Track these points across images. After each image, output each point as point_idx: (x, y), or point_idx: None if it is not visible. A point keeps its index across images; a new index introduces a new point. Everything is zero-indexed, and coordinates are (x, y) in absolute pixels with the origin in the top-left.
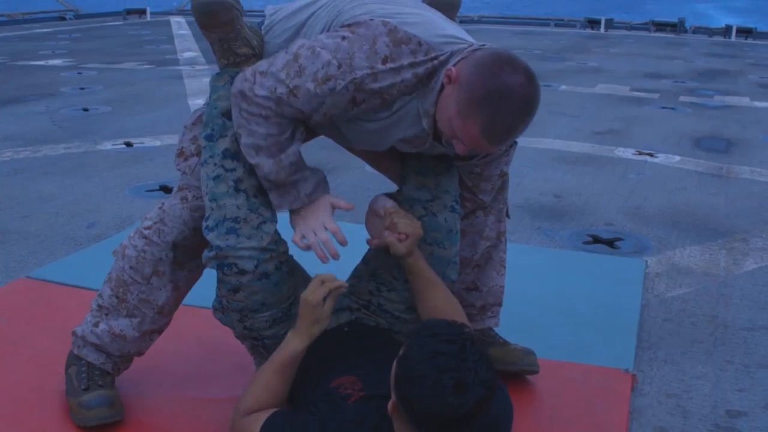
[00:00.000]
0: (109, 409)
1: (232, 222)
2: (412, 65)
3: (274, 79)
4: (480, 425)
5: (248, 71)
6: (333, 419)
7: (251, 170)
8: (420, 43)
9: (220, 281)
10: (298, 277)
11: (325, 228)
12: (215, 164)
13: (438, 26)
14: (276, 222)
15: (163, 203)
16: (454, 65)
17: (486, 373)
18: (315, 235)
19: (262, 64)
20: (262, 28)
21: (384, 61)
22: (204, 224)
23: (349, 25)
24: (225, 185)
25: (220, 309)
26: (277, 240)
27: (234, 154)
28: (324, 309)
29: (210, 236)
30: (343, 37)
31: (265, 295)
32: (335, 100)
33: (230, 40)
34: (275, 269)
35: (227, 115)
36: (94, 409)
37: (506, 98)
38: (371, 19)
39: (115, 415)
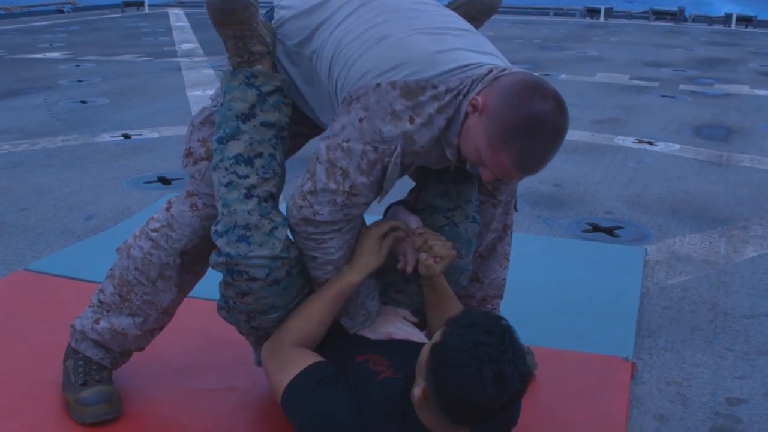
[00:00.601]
0: (107, 406)
1: (243, 229)
2: (439, 110)
3: (328, 192)
4: (506, 415)
5: (298, 198)
6: (364, 399)
7: (265, 177)
8: (435, 85)
9: (228, 284)
10: (306, 276)
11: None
12: (226, 169)
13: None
14: (287, 227)
15: (170, 203)
16: (477, 93)
17: (523, 366)
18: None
19: (306, 185)
20: (273, 22)
21: (411, 120)
22: (213, 228)
23: (357, 98)
24: (237, 191)
25: (226, 308)
26: (289, 245)
27: (247, 159)
28: (384, 243)
29: (219, 242)
30: (360, 119)
31: (274, 299)
32: (391, 176)
33: (246, 38)
34: (286, 275)
35: (242, 117)
36: (91, 406)
37: (538, 129)
38: (377, 85)
39: (114, 411)
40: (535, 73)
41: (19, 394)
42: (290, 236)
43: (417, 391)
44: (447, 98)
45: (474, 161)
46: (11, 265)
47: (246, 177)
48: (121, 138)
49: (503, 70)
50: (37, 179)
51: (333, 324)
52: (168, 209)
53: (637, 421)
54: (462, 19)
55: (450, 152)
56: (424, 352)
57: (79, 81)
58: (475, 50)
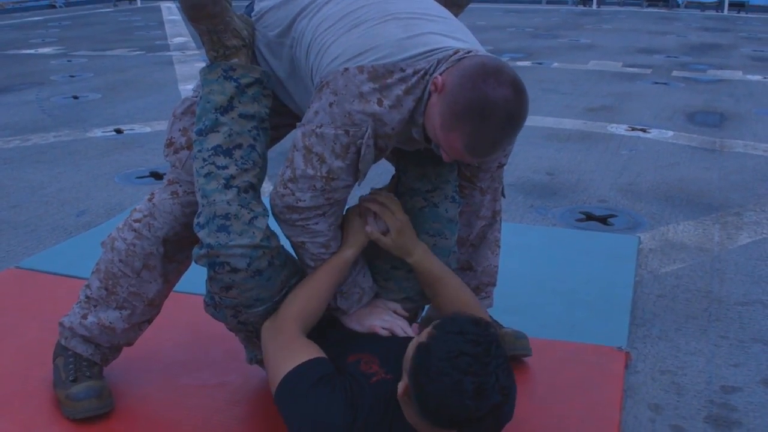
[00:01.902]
0: (98, 401)
1: (223, 219)
2: (407, 92)
3: (307, 178)
4: (486, 426)
5: (279, 187)
6: (358, 406)
7: (244, 168)
8: (402, 68)
9: (211, 279)
10: (290, 267)
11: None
12: (204, 160)
13: (414, 29)
14: (268, 216)
15: (153, 194)
16: (440, 73)
17: (505, 379)
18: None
19: (286, 173)
20: (252, 15)
21: (380, 102)
22: (195, 220)
23: (327, 83)
24: (215, 182)
25: (212, 305)
26: (270, 235)
27: (226, 150)
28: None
29: (201, 233)
30: (330, 104)
31: (259, 291)
32: (365, 158)
33: (219, 32)
34: (268, 265)
35: (221, 109)
36: (82, 401)
37: (489, 113)
38: (345, 69)
39: (105, 406)
40: (528, 62)
41: (10, 392)
42: (270, 226)
43: (401, 386)
44: (414, 79)
45: (435, 141)
46: (2, 262)
47: (225, 168)
48: (113, 133)
49: (469, 51)
50: (28, 175)
51: (321, 320)
52: (150, 199)
53: (631, 410)
54: (440, 6)
55: (416, 132)
56: (410, 349)
57: (71, 76)
58: (448, 35)
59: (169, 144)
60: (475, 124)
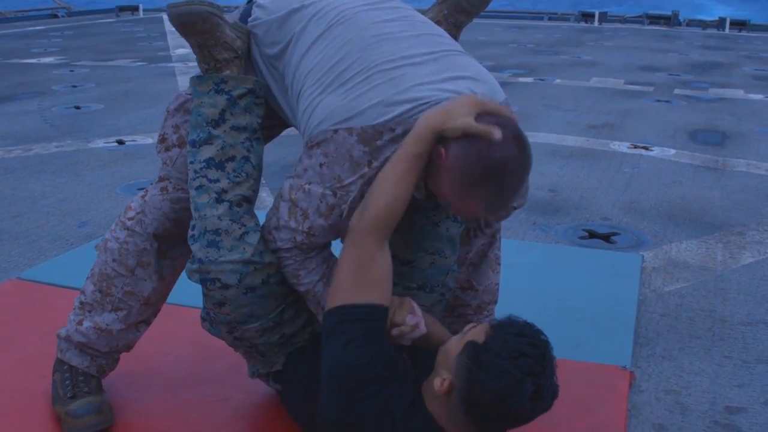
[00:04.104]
0: (97, 416)
1: (213, 234)
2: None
3: (289, 230)
4: (520, 424)
5: (266, 232)
6: (391, 367)
7: (236, 181)
8: (392, 128)
9: (205, 295)
10: (290, 286)
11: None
12: (196, 172)
13: (403, 83)
14: (260, 231)
15: (146, 192)
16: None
17: (556, 385)
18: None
19: (272, 220)
20: (249, 21)
21: (369, 164)
22: (189, 233)
23: (318, 144)
24: (206, 196)
25: (208, 320)
26: (262, 250)
27: (218, 164)
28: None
29: (194, 247)
30: (321, 164)
31: (253, 308)
32: (347, 220)
33: (209, 46)
34: (262, 283)
35: (212, 123)
36: (82, 418)
37: (501, 177)
38: (335, 131)
39: (105, 421)
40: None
41: (10, 405)
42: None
43: (439, 382)
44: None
45: (444, 202)
46: (4, 273)
47: (216, 181)
48: (115, 144)
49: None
50: (30, 186)
51: None
52: (143, 197)
53: (635, 431)
54: (431, 29)
55: (418, 193)
56: (456, 347)
57: (73, 86)
58: (436, 81)
59: (162, 140)
60: (490, 190)
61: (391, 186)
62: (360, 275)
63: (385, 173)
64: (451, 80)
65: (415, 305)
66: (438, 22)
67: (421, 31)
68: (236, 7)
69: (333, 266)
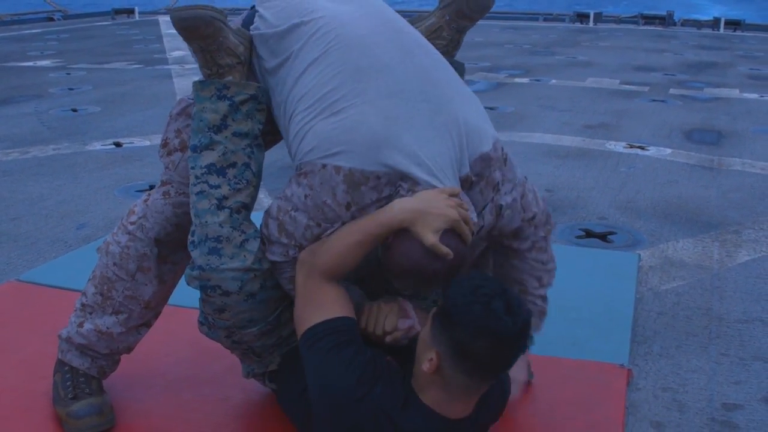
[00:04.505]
0: (98, 418)
1: (215, 241)
2: (377, 201)
3: (281, 245)
4: (517, 352)
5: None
6: (377, 377)
7: (237, 188)
8: (378, 176)
9: (204, 301)
10: (283, 289)
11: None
12: (197, 177)
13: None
14: (259, 238)
15: (148, 195)
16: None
17: (523, 300)
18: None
19: (263, 234)
20: (252, 27)
21: (348, 207)
22: (189, 238)
23: (305, 174)
24: (207, 202)
25: (207, 324)
26: (261, 257)
27: (220, 170)
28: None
29: (194, 253)
30: (306, 196)
31: (252, 314)
32: None
33: (212, 51)
34: (260, 288)
35: (214, 128)
36: (83, 419)
37: (428, 282)
38: (323, 166)
39: (106, 423)
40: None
41: (11, 406)
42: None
43: (427, 363)
44: (387, 192)
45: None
46: (3, 275)
47: (217, 187)
48: (113, 146)
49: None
50: (28, 188)
51: None
52: (145, 201)
53: (633, 428)
54: (427, 57)
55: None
56: (427, 323)
57: (70, 89)
58: (422, 152)
59: (164, 145)
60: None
61: (346, 247)
62: (316, 301)
63: (343, 233)
64: (438, 155)
65: (408, 306)
66: (440, 27)
67: (417, 53)
68: (240, 11)
69: None
